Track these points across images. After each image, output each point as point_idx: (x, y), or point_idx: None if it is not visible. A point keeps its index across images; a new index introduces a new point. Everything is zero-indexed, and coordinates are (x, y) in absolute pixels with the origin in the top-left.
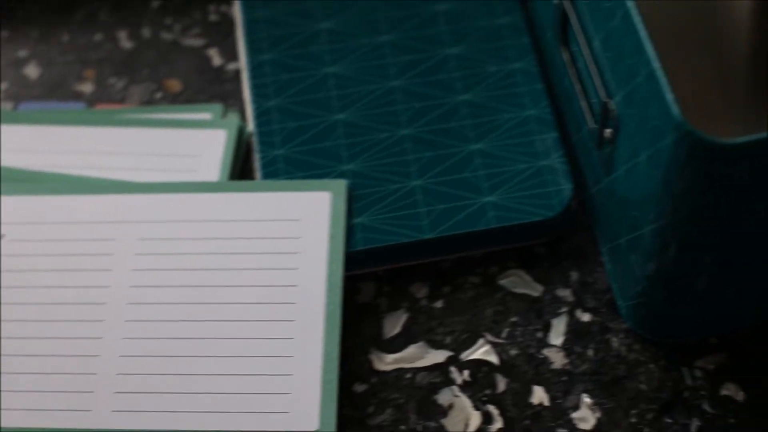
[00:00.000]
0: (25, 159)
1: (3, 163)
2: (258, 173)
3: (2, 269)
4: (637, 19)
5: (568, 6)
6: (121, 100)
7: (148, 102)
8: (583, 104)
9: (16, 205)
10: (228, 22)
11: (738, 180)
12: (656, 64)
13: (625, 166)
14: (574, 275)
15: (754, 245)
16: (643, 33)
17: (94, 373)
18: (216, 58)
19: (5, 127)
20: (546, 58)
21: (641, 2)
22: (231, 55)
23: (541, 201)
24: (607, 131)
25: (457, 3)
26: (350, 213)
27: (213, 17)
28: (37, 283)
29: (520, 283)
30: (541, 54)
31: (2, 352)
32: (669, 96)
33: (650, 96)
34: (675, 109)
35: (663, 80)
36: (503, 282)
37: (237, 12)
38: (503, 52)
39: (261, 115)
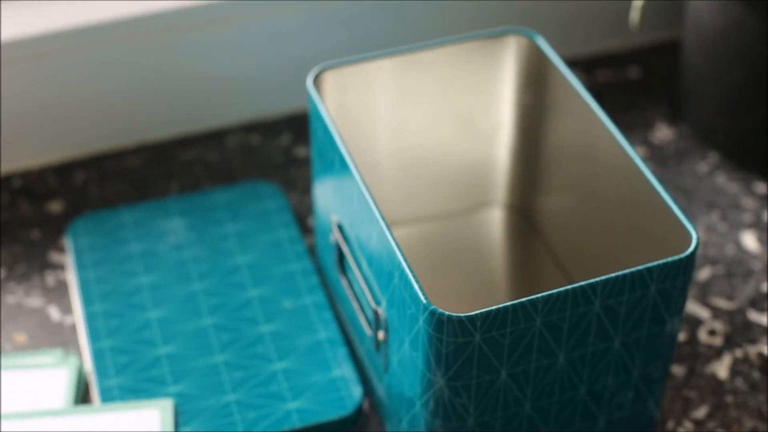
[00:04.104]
0: None
1: None
2: (97, 401)
3: None
4: (388, 235)
5: (341, 241)
6: None
7: None
8: (361, 318)
9: None
10: (63, 285)
11: (478, 348)
12: (405, 265)
13: (396, 357)
14: None
15: (507, 410)
16: (393, 244)
17: None
18: (55, 314)
19: None
20: (332, 293)
21: (400, 230)
22: (67, 310)
23: (336, 403)
24: (380, 333)
25: (256, 254)
26: (177, 425)
27: (50, 282)
28: None
29: None
30: (329, 290)
31: None
32: (416, 286)
33: (404, 291)
34: (421, 296)
35: (411, 276)
36: None
37: (71, 276)
38: (296, 290)
39: (97, 353)
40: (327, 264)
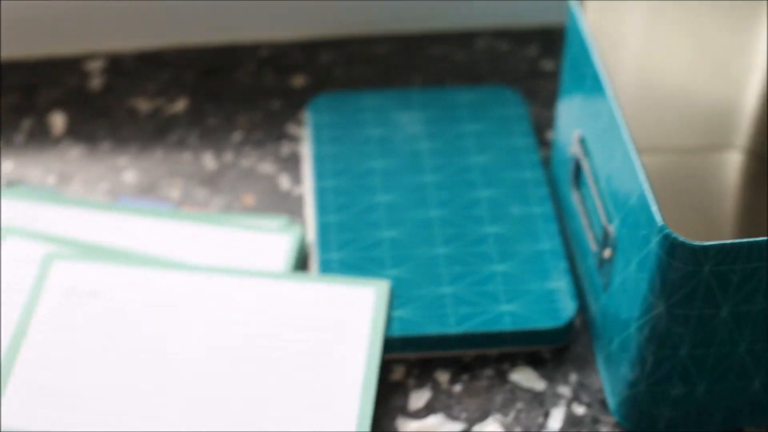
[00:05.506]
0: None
1: (105, 243)
2: (316, 272)
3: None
4: (633, 155)
5: (581, 155)
6: (203, 207)
7: (226, 209)
8: (588, 234)
9: (112, 271)
10: (296, 157)
11: (705, 280)
12: (646, 185)
13: (619, 277)
14: (573, 376)
15: (721, 347)
16: (637, 164)
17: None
18: (284, 183)
19: (106, 215)
20: (561, 205)
21: (642, 156)
22: (296, 181)
23: (549, 314)
24: (606, 252)
25: (491, 157)
26: (390, 307)
27: (284, 152)
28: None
29: (527, 379)
30: (558, 202)
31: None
32: (654, 208)
33: (640, 212)
34: (659, 217)
35: (650, 196)
36: (513, 377)
37: (305, 149)
38: (526, 198)
39: (323, 226)
40: (560, 177)
